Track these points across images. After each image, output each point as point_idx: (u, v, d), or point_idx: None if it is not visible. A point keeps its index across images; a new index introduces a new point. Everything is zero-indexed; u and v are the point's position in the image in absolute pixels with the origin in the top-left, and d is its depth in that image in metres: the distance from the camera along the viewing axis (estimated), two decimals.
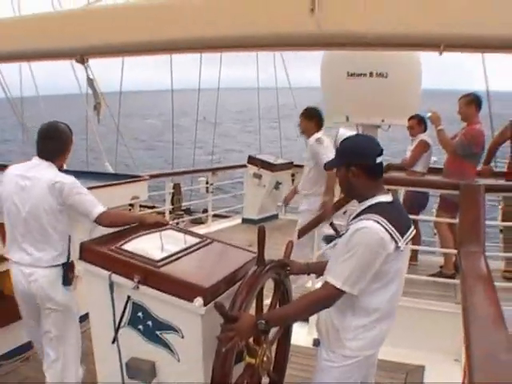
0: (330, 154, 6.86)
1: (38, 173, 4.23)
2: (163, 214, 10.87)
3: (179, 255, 3.51)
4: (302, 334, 6.04)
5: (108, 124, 12.17)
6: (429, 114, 7.59)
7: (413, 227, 3.26)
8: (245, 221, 12.27)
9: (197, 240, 3.92)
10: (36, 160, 4.33)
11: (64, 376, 4.42)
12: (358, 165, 3.13)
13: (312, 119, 7.20)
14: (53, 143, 4.36)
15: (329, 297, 3.03)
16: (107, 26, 4.77)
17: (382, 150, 3.17)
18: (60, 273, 4.28)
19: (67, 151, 4.46)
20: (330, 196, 6.93)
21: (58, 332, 4.38)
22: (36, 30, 5.05)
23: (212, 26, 4.32)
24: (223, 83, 17.72)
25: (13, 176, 4.29)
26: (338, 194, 7.44)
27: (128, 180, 7.06)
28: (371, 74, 9.49)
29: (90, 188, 4.77)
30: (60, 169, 4.41)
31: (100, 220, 4.17)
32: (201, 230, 9.96)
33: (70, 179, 4.22)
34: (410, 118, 8.49)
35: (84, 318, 3.80)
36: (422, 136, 8.27)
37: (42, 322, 4.42)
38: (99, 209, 4.18)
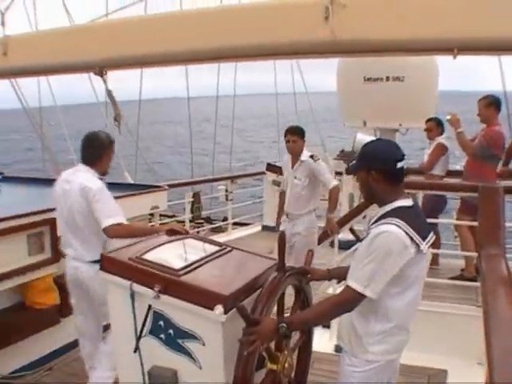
0: (328, 170, 7.02)
1: (76, 177, 4.65)
2: (183, 223, 10.89)
3: (199, 264, 3.50)
4: (324, 341, 6.04)
5: (131, 132, 12.23)
6: (448, 117, 7.56)
7: (433, 232, 3.26)
8: (265, 228, 12.24)
9: (217, 248, 3.91)
10: (79, 165, 4.78)
11: (94, 371, 4.82)
12: (378, 169, 3.14)
13: (304, 137, 7.08)
14: (90, 150, 4.75)
15: (350, 301, 3.04)
16: (125, 38, 4.81)
17: (403, 156, 3.18)
18: None
19: (105, 157, 4.80)
20: (333, 212, 6.87)
21: (98, 326, 4.85)
22: (53, 44, 5.09)
23: (227, 36, 4.34)
24: (240, 89, 17.72)
25: (60, 180, 4.79)
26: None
27: (147, 190, 7.09)
28: (387, 79, 9.54)
29: None
30: (104, 174, 4.83)
31: (106, 232, 4.43)
32: (221, 238, 9.92)
33: (96, 185, 4.52)
34: (428, 121, 8.49)
35: None
36: (440, 139, 8.26)
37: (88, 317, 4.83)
38: (108, 221, 4.40)
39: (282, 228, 7.20)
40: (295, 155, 7.04)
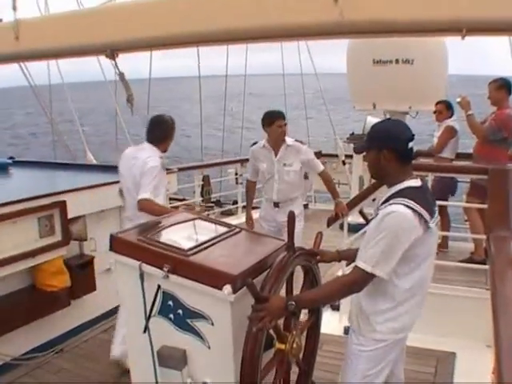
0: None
1: (141, 154, 5.14)
2: (193, 206, 10.90)
3: (208, 244, 3.53)
4: (333, 323, 6.07)
5: (138, 111, 12.17)
6: (458, 99, 7.56)
7: (437, 213, 3.27)
8: None
9: (225, 229, 3.94)
10: (144, 144, 5.31)
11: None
12: (390, 148, 3.15)
13: None
14: (155, 131, 5.30)
15: (358, 281, 3.06)
16: (136, 21, 4.77)
17: (413, 135, 3.19)
18: None
19: (168, 139, 5.35)
20: (338, 194, 6.77)
21: None
22: (65, 27, 5.06)
23: (237, 18, 4.32)
24: (250, 69, 17.66)
25: (127, 156, 5.30)
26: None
27: None
28: (397, 61, 9.51)
29: (118, 182, 5.38)
30: (164, 152, 5.33)
31: (139, 204, 4.83)
32: (231, 221, 9.80)
33: (152, 163, 5.02)
34: (438, 103, 8.48)
35: None
36: (449, 122, 8.26)
37: None
38: (142, 195, 4.83)
39: (266, 220, 7.01)
40: (282, 141, 6.53)
